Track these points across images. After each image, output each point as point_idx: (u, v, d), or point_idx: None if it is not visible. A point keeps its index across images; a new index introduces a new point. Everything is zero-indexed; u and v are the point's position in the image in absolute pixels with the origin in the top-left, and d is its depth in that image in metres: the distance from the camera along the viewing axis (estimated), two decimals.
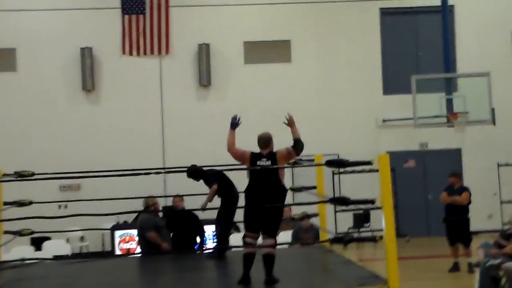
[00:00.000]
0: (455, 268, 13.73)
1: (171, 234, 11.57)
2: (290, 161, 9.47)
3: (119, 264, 10.65)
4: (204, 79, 19.98)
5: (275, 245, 8.42)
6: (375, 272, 8.33)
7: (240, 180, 10.59)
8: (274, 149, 8.40)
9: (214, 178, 10.75)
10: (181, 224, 11.51)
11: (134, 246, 13.60)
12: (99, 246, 18.59)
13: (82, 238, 18.39)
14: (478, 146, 20.12)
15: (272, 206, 8.17)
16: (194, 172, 10.93)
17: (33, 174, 8.71)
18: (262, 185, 8.20)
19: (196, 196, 11.21)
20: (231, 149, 8.41)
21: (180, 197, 11.88)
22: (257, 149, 8.39)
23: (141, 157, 18.55)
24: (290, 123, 8.43)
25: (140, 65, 19.93)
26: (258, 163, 8.27)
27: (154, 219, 11.62)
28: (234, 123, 8.48)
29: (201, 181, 10.93)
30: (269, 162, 8.26)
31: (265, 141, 8.40)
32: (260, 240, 8.43)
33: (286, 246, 11.96)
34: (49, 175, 10.34)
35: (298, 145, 8.35)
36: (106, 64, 19.91)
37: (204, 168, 10.91)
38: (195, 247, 11.46)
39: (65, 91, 19.83)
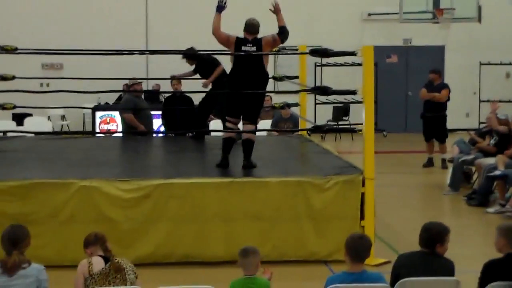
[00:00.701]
0: (429, 163, 13.96)
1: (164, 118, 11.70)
2: (274, 49, 9.51)
3: (99, 143, 10.75)
4: None
5: (254, 131, 8.55)
6: (352, 163, 8.49)
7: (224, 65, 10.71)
8: (259, 36, 8.40)
9: (217, 61, 10.85)
10: (177, 106, 11.56)
11: (115, 127, 13.69)
12: (80, 126, 18.67)
13: (63, 117, 18.43)
14: (462, 44, 20.05)
15: (254, 92, 8.25)
16: (193, 55, 10.95)
17: (16, 49, 8.66)
18: (245, 71, 8.24)
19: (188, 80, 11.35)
20: (216, 32, 8.39)
21: (178, 80, 11.73)
22: (242, 35, 8.39)
23: (123, 41, 18.24)
24: (276, 10, 8.41)
25: None
26: (243, 48, 8.28)
27: (133, 101, 11.52)
28: (221, 6, 8.42)
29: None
30: (254, 48, 8.27)
31: (252, 26, 8.37)
32: (240, 126, 8.55)
33: (265, 133, 12.10)
34: (33, 51, 10.31)
35: (283, 32, 8.36)
36: None
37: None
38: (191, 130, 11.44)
39: None
